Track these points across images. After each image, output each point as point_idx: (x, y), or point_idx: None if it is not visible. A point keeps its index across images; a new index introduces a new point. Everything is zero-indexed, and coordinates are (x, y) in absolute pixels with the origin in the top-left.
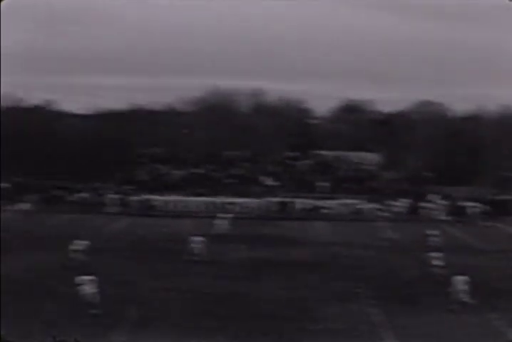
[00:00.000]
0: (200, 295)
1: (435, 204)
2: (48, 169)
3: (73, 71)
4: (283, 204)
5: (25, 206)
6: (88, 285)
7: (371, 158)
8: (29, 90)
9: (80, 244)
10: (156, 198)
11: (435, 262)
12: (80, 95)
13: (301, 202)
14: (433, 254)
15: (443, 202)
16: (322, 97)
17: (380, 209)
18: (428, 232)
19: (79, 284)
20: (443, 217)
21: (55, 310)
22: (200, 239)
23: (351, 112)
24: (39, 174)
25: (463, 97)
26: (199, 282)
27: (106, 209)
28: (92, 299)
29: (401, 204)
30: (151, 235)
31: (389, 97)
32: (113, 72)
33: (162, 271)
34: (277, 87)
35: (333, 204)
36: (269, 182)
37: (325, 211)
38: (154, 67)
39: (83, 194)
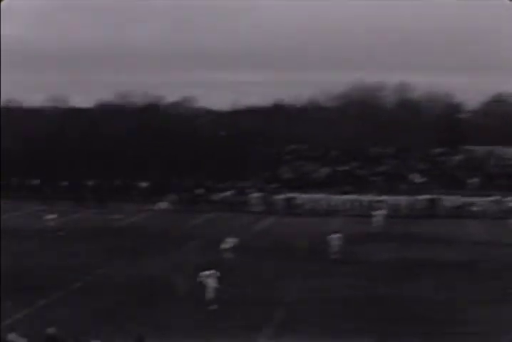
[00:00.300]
0: (342, 295)
1: None
2: (189, 168)
3: (216, 67)
4: (432, 201)
5: (163, 205)
6: (211, 279)
7: None
8: (168, 87)
9: (231, 242)
10: (300, 196)
11: None
12: (223, 91)
13: (450, 199)
14: None
15: None
16: (471, 91)
17: None
18: None
19: (203, 279)
20: None
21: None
22: (337, 236)
23: (501, 105)
24: (181, 173)
25: None
26: (341, 282)
27: (250, 208)
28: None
29: None
30: (294, 234)
31: None
32: (257, 67)
33: (305, 269)
34: (423, 81)
35: (483, 202)
36: (418, 179)
37: (475, 208)
38: (298, 62)
39: (226, 193)
